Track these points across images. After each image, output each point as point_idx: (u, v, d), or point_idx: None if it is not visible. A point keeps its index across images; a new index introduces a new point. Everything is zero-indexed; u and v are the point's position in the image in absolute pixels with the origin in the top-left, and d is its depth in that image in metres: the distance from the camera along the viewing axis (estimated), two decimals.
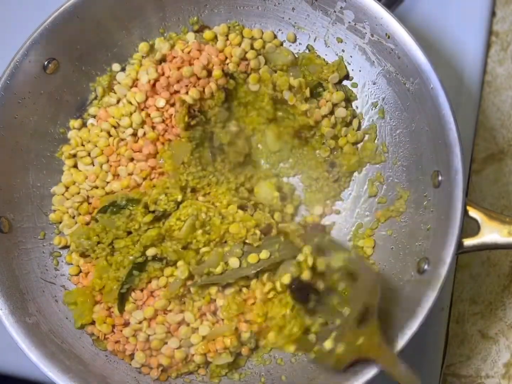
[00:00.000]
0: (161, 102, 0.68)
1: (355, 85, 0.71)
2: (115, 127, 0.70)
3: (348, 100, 0.71)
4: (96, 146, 0.70)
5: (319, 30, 0.70)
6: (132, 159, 0.69)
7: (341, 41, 0.70)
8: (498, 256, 0.75)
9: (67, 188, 0.70)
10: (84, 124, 0.71)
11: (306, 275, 0.60)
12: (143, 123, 0.69)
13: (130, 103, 0.69)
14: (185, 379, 0.67)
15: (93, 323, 0.67)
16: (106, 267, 0.67)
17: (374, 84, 0.70)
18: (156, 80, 0.69)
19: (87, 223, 0.69)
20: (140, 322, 0.66)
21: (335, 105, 0.70)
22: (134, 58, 0.72)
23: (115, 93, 0.71)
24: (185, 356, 0.66)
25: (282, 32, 0.72)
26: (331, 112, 0.70)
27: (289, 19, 0.71)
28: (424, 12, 0.78)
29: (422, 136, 0.65)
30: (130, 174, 0.69)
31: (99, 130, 0.70)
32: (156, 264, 0.67)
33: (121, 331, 0.67)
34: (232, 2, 0.71)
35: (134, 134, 0.69)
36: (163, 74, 0.70)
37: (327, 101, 0.70)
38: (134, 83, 0.70)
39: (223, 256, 0.66)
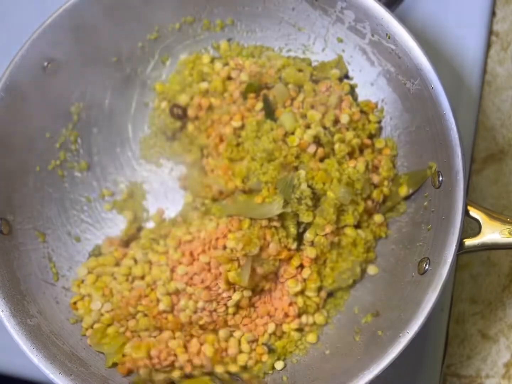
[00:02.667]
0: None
1: (355, 85, 0.71)
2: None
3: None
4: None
5: (319, 30, 0.70)
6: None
7: (342, 41, 0.70)
8: (498, 256, 0.75)
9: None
10: None
11: None
12: None
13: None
14: None
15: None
16: None
17: (374, 84, 0.70)
18: None
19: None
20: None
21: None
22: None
23: None
24: None
25: (281, 31, 0.72)
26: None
27: (289, 19, 0.71)
28: (424, 12, 0.78)
29: (422, 136, 0.65)
30: None
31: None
32: None
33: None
34: (232, 2, 0.71)
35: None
36: None
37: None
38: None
39: None
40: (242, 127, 0.68)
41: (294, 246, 0.66)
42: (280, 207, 0.65)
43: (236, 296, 0.65)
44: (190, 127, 0.72)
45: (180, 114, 0.71)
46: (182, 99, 0.71)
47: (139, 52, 0.73)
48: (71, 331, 0.65)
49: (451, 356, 0.74)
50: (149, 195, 0.75)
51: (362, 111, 0.70)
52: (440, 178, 0.62)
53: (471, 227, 0.62)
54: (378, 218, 0.68)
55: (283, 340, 0.67)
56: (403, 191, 0.67)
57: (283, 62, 0.71)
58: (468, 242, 0.60)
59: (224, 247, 0.65)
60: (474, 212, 0.60)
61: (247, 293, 0.66)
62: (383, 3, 0.64)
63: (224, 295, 0.65)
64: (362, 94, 0.71)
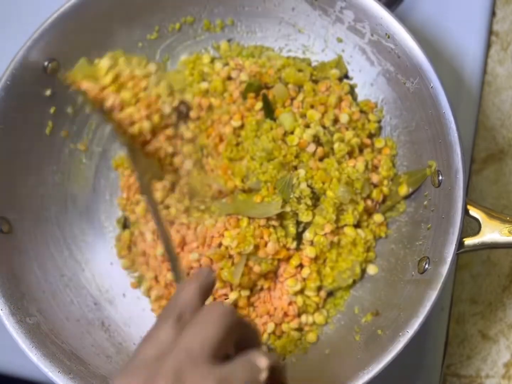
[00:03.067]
0: None
1: (355, 85, 0.71)
2: None
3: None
4: None
5: (319, 30, 0.70)
6: None
7: (341, 41, 0.70)
8: (498, 256, 0.75)
9: None
10: None
11: None
12: None
13: None
14: None
15: None
16: None
17: (374, 84, 0.70)
18: None
19: None
20: None
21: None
22: None
23: None
24: None
25: (281, 31, 0.72)
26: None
27: (289, 19, 0.71)
28: (424, 12, 0.78)
29: (421, 136, 0.65)
30: None
31: None
32: None
33: None
34: (232, 2, 0.71)
35: None
36: None
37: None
38: None
39: None
40: (242, 126, 0.68)
41: (293, 245, 0.66)
42: (279, 207, 0.65)
43: (233, 295, 0.65)
44: (190, 127, 0.72)
45: (183, 112, 0.71)
46: None
47: (139, 52, 0.73)
48: (70, 330, 0.65)
49: (451, 356, 0.74)
50: None
51: (361, 111, 0.70)
52: (440, 177, 0.62)
53: (471, 226, 0.62)
54: (377, 217, 0.68)
55: (283, 339, 0.67)
56: (403, 190, 0.67)
57: (283, 62, 0.71)
58: (468, 241, 0.60)
59: (219, 245, 0.65)
60: (473, 211, 0.60)
61: (244, 293, 0.66)
62: (383, 3, 0.64)
63: (220, 292, 0.65)
64: (362, 94, 0.71)
